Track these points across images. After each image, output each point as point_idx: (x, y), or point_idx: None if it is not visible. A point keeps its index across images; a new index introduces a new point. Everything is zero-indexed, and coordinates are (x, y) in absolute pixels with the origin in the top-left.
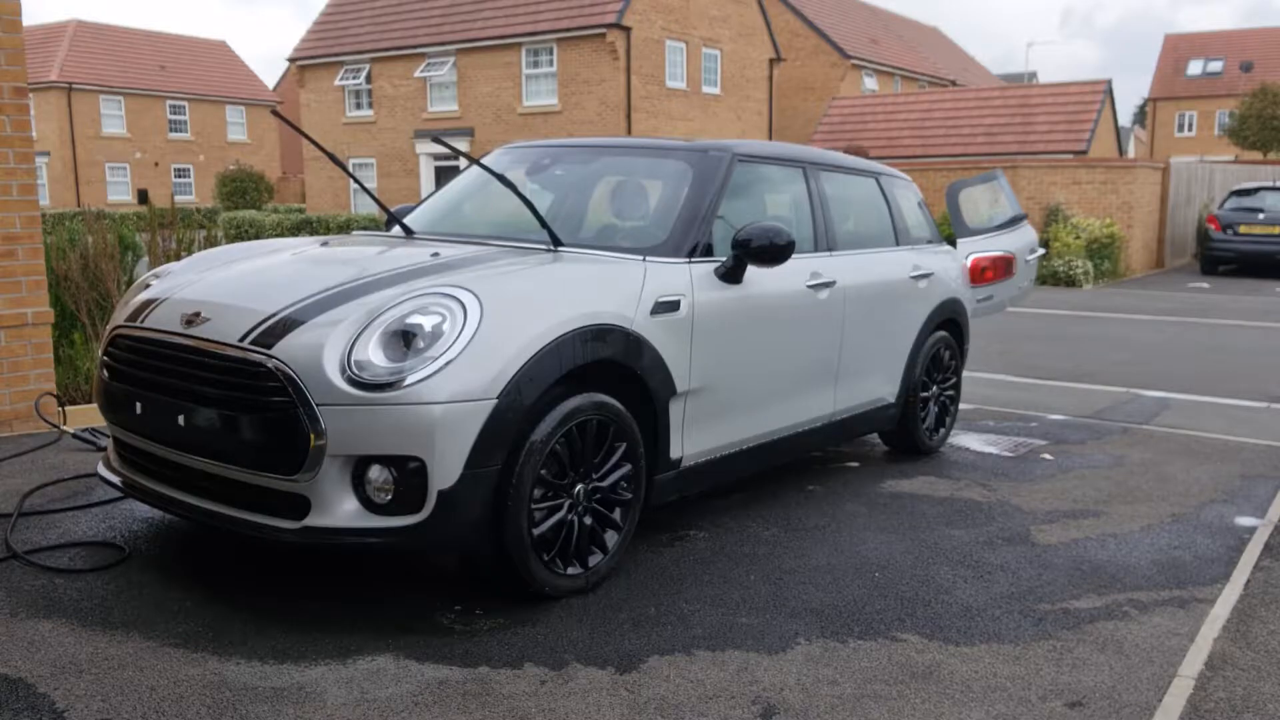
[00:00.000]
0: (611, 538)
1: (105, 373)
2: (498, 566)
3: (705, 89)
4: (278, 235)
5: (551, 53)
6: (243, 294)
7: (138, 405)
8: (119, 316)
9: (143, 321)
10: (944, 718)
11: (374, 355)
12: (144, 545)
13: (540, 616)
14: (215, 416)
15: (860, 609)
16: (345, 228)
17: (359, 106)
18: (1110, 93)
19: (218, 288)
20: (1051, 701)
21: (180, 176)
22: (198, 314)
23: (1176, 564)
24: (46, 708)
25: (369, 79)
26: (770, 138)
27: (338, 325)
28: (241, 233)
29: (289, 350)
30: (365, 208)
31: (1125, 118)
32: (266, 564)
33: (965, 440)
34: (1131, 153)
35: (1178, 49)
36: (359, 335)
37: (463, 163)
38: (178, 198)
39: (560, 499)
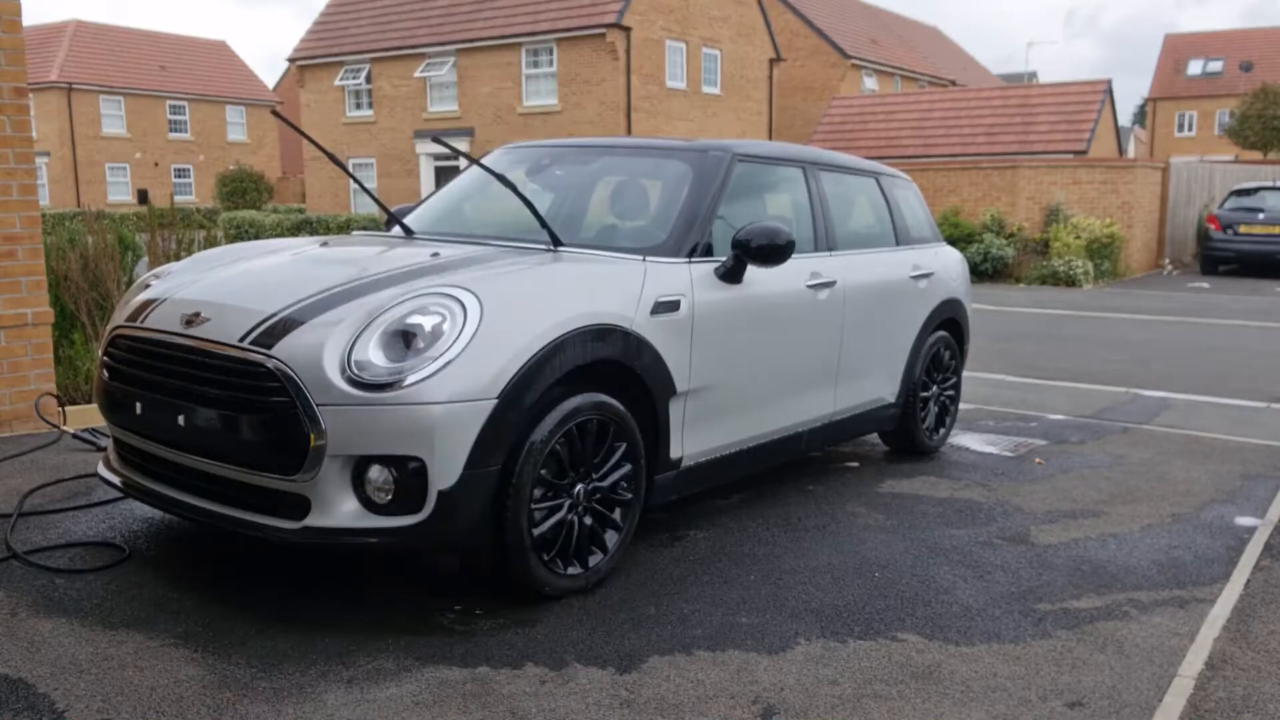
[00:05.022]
0: (611, 538)
1: (105, 373)
2: (498, 567)
3: (705, 89)
4: (278, 235)
5: (551, 53)
6: (243, 294)
7: (138, 405)
8: (119, 316)
9: (143, 321)
10: (944, 718)
11: (374, 355)
12: (144, 545)
13: (540, 616)
14: (215, 416)
15: (860, 609)
16: (345, 228)
17: (359, 106)
18: (1110, 92)
19: (218, 288)
20: (1051, 701)
21: (180, 177)
22: (198, 314)
23: (1176, 564)
24: (46, 708)
25: (369, 79)
26: (770, 138)
27: (338, 325)
28: (241, 233)
29: (289, 350)
30: (365, 208)
31: (1125, 118)
32: (266, 564)
33: (965, 440)
34: (1131, 153)
35: (1178, 49)
36: (359, 335)
37: (463, 163)
38: (178, 198)
39: (560, 499)
